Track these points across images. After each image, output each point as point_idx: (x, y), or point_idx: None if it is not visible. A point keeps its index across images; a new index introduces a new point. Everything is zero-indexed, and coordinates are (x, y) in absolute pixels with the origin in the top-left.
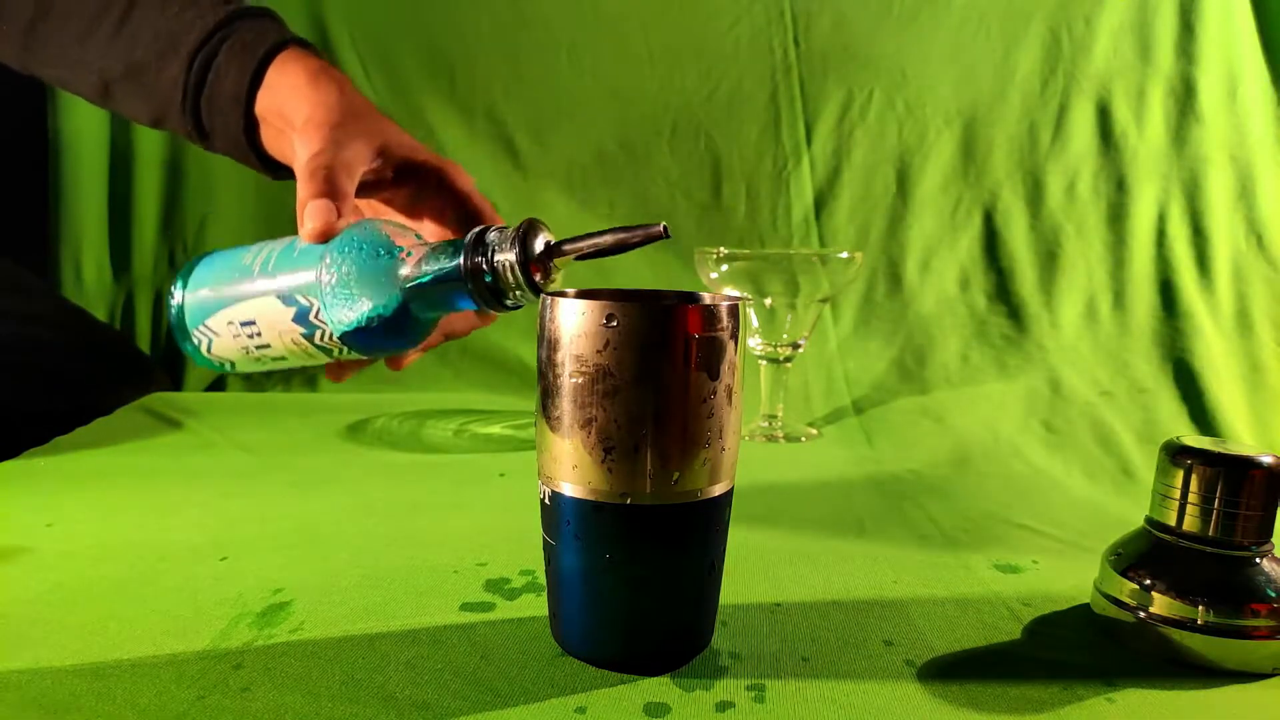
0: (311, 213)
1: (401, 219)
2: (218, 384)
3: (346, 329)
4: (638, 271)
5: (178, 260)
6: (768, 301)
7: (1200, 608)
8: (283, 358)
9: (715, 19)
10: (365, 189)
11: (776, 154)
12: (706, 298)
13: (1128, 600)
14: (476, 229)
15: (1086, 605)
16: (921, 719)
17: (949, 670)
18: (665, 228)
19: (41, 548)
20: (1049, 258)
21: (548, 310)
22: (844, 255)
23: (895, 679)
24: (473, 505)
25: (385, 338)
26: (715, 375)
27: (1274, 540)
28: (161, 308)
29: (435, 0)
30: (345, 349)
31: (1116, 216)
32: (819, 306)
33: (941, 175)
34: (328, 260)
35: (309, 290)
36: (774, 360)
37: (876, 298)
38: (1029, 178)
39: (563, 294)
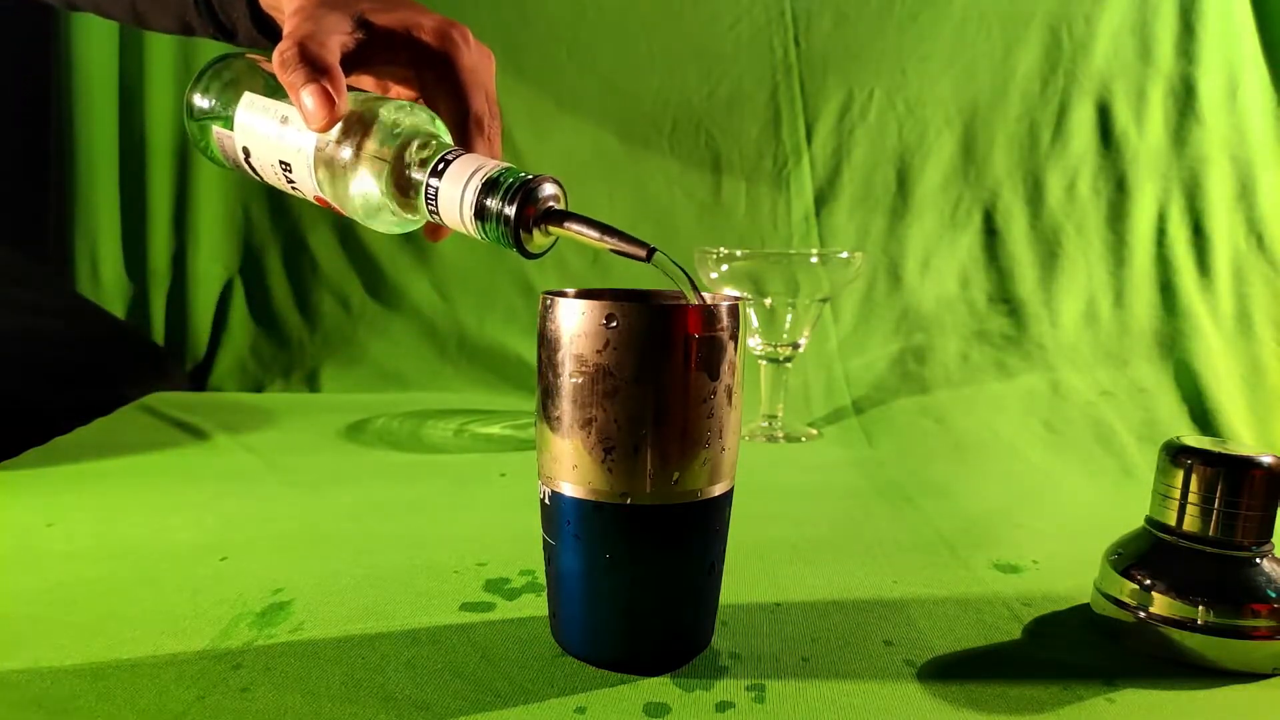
0: (311, 106)
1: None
2: (218, 384)
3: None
4: (638, 271)
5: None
6: (768, 301)
7: (1200, 608)
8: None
9: (716, 18)
10: (357, 65)
11: (777, 153)
12: (706, 297)
13: (1128, 600)
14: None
15: (1086, 605)
16: (921, 719)
17: (949, 670)
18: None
19: (41, 548)
20: (1049, 258)
21: (548, 310)
22: (844, 255)
23: (895, 679)
24: (473, 505)
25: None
26: (715, 375)
27: (1274, 540)
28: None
29: None
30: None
31: (1116, 216)
32: (819, 306)
33: (941, 175)
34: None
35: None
36: (774, 360)
37: (876, 298)
38: (1029, 177)
39: (563, 294)
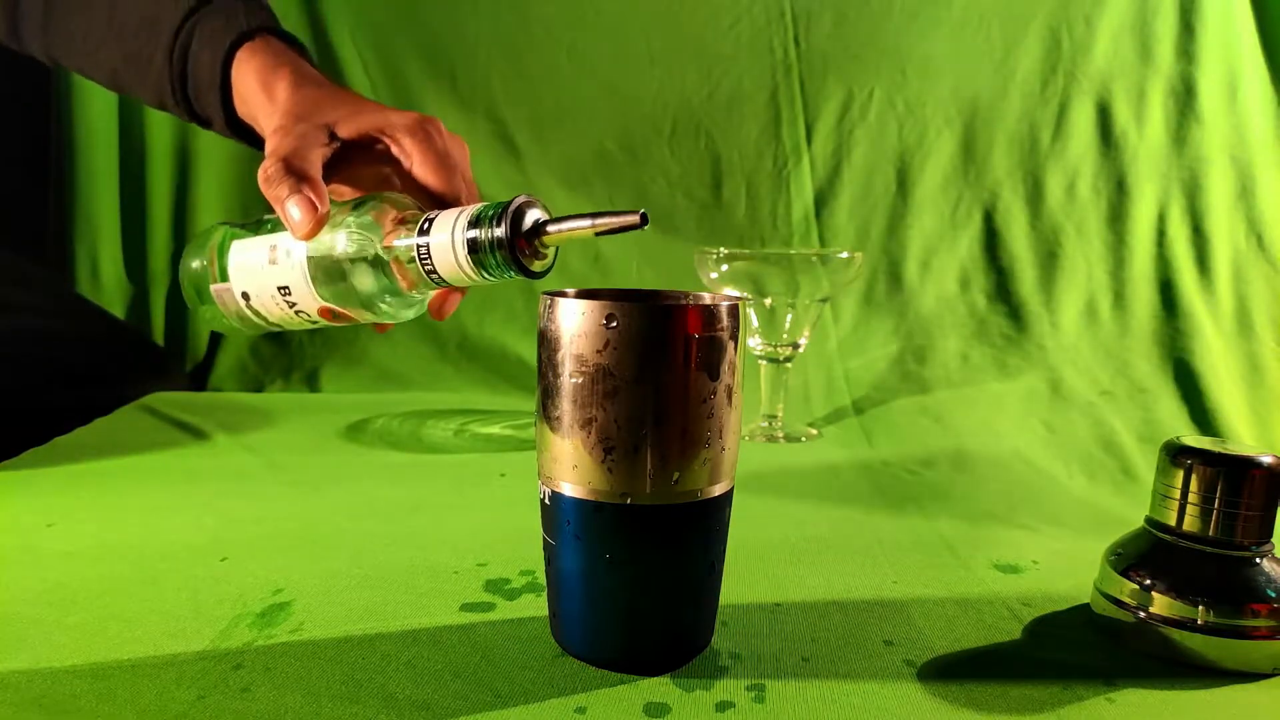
0: (296, 215)
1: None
2: (218, 384)
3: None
4: (638, 271)
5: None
6: (768, 301)
7: (1200, 608)
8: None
9: (715, 18)
10: (337, 173)
11: (777, 153)
12: (706, 297)
13: (1128, 600)
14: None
15: (1086, 605)
16: (921, 719)
17: (949, 670)
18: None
19: (41, 548)
20: (1049, 258)
21: (548, 310)
22: (844, 255)
23: (895, 679)
24: (473, 505)
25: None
26: (715, 375)
27: (1274, 540)
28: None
29: None
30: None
31: (1116, 216)
32: (819, 306)
33: (941, 175)
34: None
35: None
36: (774, 360)
37: (876, 298)
38: (1029, 177)
39: (563, 294)
